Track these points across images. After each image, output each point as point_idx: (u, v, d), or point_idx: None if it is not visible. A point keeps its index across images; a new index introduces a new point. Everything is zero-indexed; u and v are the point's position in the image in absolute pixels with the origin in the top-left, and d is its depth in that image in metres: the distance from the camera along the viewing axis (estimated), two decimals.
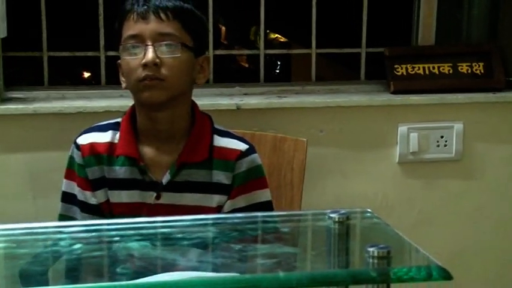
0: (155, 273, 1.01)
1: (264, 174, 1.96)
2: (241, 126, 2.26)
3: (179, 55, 1.83)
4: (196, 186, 1.89)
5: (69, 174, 1.96)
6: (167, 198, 1.88)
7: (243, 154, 1.91)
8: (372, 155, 2.56)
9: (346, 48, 2.69)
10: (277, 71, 3.57)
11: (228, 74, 2.80)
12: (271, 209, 1.92)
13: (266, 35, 3.04)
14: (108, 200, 1.91)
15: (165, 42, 1.82)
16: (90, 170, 1.91)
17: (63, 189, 1.97)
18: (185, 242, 1.10)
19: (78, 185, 1.93)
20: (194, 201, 1.89)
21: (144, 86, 1.82)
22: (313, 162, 2.33)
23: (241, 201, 1.90)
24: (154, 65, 1.80)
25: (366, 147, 2.56)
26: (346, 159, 2.55)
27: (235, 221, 1.24)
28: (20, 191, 2.37)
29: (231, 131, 1.99)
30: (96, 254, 1.11)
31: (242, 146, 1.93)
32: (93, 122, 2.00)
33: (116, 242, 1.10)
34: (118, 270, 1.02)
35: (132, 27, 1.84)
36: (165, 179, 1.88)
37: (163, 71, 1.82)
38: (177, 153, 1.89)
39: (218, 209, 1.88)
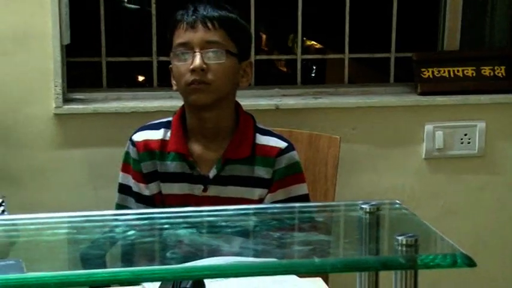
0: (201, 257, 1.02)
1: (302, 170, 1.96)
2: (280, 125, 2.26)
3: (224, 61, 1.84)
4: (239, 180, 1.90)
5: (125, 168, 1.98)
6: (213, 190, 1.90)
7: (282, 151, 1.92)
8: (400, 151, 2.54)
9: (377, 53, 2.67)
10: (313, 75, 3.56)
11: (268, 78, 2.80)
12: (308, 202, 1.92)
13: (303, 41, 3.04)
14: (160, 192, 1.93)
15: (211, 49, 1.84)
16: (144, 165, 1.93)
17: (120, 181, 1.99)
18: (228, 230, 1.10)
19: (133, 178, 1.95)
20: (237, 194, 1.90)
21: (192, 89, 1.84)
22: (346, 157, 2.32)
23: (280, 194, 1.91)
24: (202, 70, 1.82)
25: (395, 144, 2.54)
26: (377, 155, 2.53)
27: (274, 211, 1.23)
28: (81, 183, 2.38)
29: (271, 129, 2.00)
30: (148, 240, 1.12)
31: (282, 144, 1.93)
32: (146, 120, 2.02)
33: (166, 229, 1.09)
34: (168, 254, 1.03)
35: (181, 36, 1.86)
36: (212, 173, 1.90)
37: (210, 75, 1.83)
38: (223, 150, 1.91)
39: (259, 202, 1.89)
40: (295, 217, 1.18)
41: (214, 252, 1.06)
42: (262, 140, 1.93)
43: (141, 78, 2.79)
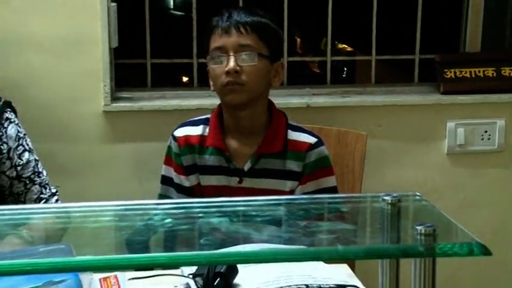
0: (232, 244, 1.03)
1: (331, 163, 1.96)
2: (310, 122, 2.24)
3: (256, 63, 1.85)
4: (272, 173, 1.91)
5: (168, 161, 2.00)
6: (248, 182, 1.91)
7: (312, 146, 1.93)
8: (424, 147, 2.53)
9: (402, 55, 2.66)
10: (344, 75, 3.56)
11: (303, 79, 2.81)
12: (336, 194, 1.91)
13: (334, 45, 3.05)
14: (199, 183, 1.95)
15: (244, 52, 1.84)
16: (184, 158, 1.95)
17: (163, 173, 2.01)
18: (259, 219, 1.10)
19: (175, 170, 1.97)
20: (270, 186, 1.91)
21: (228, 90, 1.85)
22: (372, 153, 2.31)
23: (310, 186, 1.91)
24: (236, 72, 1.83)
25: (419, 140, 2.52)
26: (401, 150, 2.52)
27: (302, 201, 1.23)
28: (127, 175, 2.39)
29: (302, 126, 2.00)
30: (184, 228, 1.12)
31: (312, 139, 1.94)
32: (187, 117, 2.03)
33: (201, 217, 1.10)
34: (202, 241, 1.04)
35: (217, 40, 1.87)
36: (247, 166, 1.92)
37: (243, 77, 1.84)
38: (257, 145, 1.92)
39: (290, 193, 1.90)
40: (321, 207, 1.18)
41: (245, 240, 1.07)
42: (294, 135, 1.94)
43: (182, 78, 2.81)
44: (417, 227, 1.00)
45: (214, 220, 1.09)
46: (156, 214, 1.20)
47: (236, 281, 1.39)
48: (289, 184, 1.91)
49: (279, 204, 1.18)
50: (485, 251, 1.01)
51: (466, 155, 2.56)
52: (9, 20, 2.27)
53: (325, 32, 2.55)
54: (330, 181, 1.94)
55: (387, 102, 2.49)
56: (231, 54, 1.84)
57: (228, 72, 1.84)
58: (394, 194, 1.16)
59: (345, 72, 3.65)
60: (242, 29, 1.85)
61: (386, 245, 1.08)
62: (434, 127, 2.53)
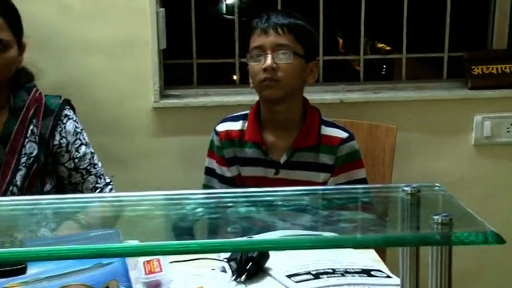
0: (258, 232, 1.03)
1: (361, 157, 1.95)
2: (344, 116, 2.24)
3: (292, 61, 1.85)
4: (306, 165, 1.91)
5: (210, 154, 2.01)
6: (284, 174, 1.91)
7: (344, 141, 1.91)
8: (451, 139, 2.48)
9: (432, 53, 2.62)
10: (383, 73, 3.52)
11: (342, 75, 2.78)
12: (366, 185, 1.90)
13: (373, 44, 3.02)
14: (239, 174, 1.95)
15: (281, 51, 1.84)
16: (225, 151, 1.96)
17: (206, 165, 2.02)
18: (284, 208, 1.10)
19: (217, 162, 1.98)
20: (304, 177, 1.90)
21: (265, 85, 1.86)
22: (402, 145, 2.29)
23: (341, 178, 1.90)
24: (272, 69, 1.83)
25: (447, 132, 2.48)
26: (430, 142, 2.48)
27: (326, 192, 1.22)
28: (174, 166, 2.41)
29: (335, 121, 1.99)
30: (213, 216, 1.13)
31: (343, 134, 1.92)
32: (228, 113, 2.04)
33: (229, 207, 1.11)
34: (229, 229, 1.04)
35: (256, 40, 1.88)
36: (282, 159, 1.91)
37: (279, 73, 1.84)
38: (292, 139, 1.91)
39: (323, 184, 1.88)
40: (344, 198, 1.16)
41: (269, 228, 1.07)
42: (327, 130, 1.93)
43: (225, 76, 2.81)
44: (434, 217, 0.98)
45: (242, 209, 1.09)
46: (199, 203, 1.21)
47: (267, 265, 1.40)
48: (322, 176, 1.91)
49: (303, 195, 1.17)
50: (499, 240, 0.98)
51: (492, 147, 2.51)
52: (72, 28, 2.31)
53: (366, 33, 2.53)
54: (360, 173, 1.93)
55: (417, 97, 2.46)
56: (269, 52, 1.84)
57: (265, 69, 1.84)
58: (414, 185, 1.13)
59: (384, 70, 3.61)
60: (279, 30, 1.85)
61: (403, 233, 1.06)
62: (462, 120, 2.48)
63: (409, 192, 1.12)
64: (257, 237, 0.99)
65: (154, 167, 2.41)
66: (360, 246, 1.21)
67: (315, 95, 2.32)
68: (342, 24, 3.40)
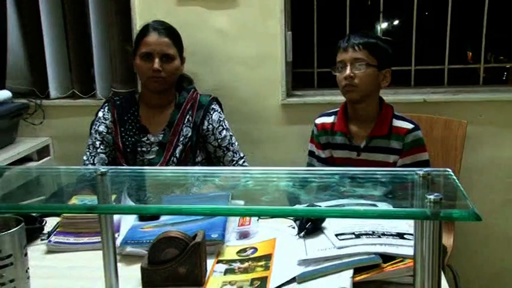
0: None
1: (423, 143, 1.85)
2: (427, 113, 2.14)
3: (365, 70, 1.81)
4: (380, 149, 1.86)
5: (311, 140, 2.02)
6: (364, 156, 1.88)
7: (410, 131, 1.84)
8: None
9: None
10: (504, 78, 3.20)
11: (468, 80, 2.57)
12: (429, 166, 1.82)
13: (497, 56, 2.72)
14: (331, 156, 1.94)
15: (357, 63, 1.81)
16: (321, 138, 1.97)
17: (309, 148, 2.03)
18: (314, 184, 1.07)
19: (315, 147, 1.99)
20: (379, 159, 1.86)
21: (346, 90, 1.84)
22: (473, 136, 2.13)
23: (407, 160, 1.83)
24: (350, 77, 1.81)
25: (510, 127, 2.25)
26: (498, 134, 2.26)
27: (355, 173, 1.14)
28: (296, 148, 2.38)
29: (405, 115, 1.90)
30: (255, 188, 1.11)
31: (410, 126, 1.85)
32: (335, 109, 1.99)
33: (271, 181, 1.10)
34: (263, 198, 1.03)
35: (339, 56, 1.86)
36: (362, 144, 1.88)
37: (356, 80, 1.81)
38: (370, 129, 1.87)
39: (394, 165, 1.83)
40: (367, 177, 1.11)
41: (295, 200, 1.05)
42: (397, 123, 1.86)
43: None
44: (428, 196, 0.92)
45: (282, 184, 1.07)
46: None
47: (324, 225, 1.40)
48: (392, 158, 1.85)
49: (331, 175, 1.13)
50: (477, 217, 0.90)
51: None
52: (224, 46, 2.40)
53: (489, 48, 2.34)
54: (423, 156, 1.84)
55: (489, 98, 2.25)
56: (348, 65, 1.82)
57: (345, 78, 1.82)
58: (426, 169, 1.06)
59: (505, 76, 3.27)
60: (356, 47, 1.82)
61: (399, 209, 0.99)
62: None
63: (421, 175, 1.06)
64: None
65: (281, 147, 2.43)
66: (364, 217, 1.14)
67: (403, 96, 2.21)
68: (471, 38, 3.12)
